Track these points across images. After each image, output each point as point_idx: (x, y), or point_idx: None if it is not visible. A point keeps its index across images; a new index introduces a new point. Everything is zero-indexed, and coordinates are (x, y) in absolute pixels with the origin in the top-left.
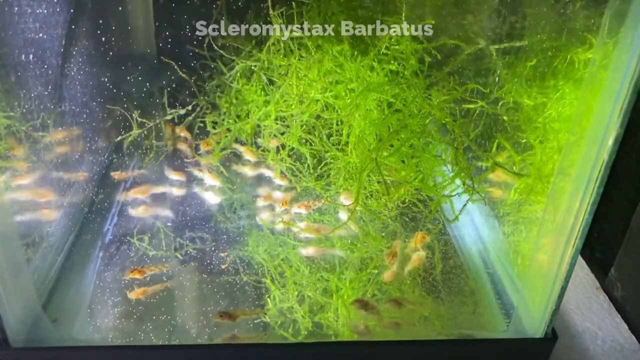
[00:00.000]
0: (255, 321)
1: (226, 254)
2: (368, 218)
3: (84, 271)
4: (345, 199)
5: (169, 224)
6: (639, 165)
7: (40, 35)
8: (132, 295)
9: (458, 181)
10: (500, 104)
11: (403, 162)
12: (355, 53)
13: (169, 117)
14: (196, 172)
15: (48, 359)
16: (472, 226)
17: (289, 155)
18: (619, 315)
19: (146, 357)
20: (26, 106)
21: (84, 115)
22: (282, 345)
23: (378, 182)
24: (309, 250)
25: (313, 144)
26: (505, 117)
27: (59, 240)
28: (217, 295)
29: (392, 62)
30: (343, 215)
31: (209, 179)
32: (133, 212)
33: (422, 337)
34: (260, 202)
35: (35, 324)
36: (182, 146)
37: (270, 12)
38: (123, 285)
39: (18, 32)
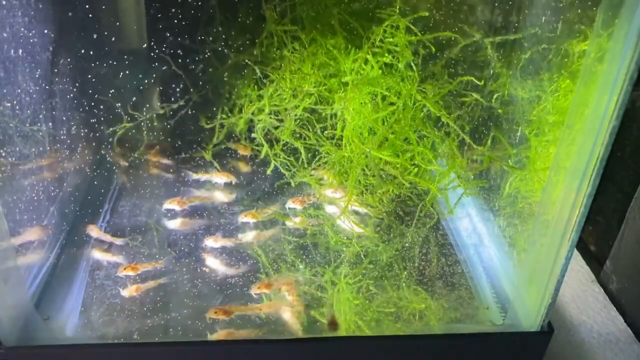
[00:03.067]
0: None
1: (219, 241)
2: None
3: (76, 268)
4: (339, 194)
5: (163, 219)
6: (634, 158)
7: (29, 30)
8: (125, 292)
9: (453, 174)
10: (495, 96)
11: (397, 155)
12: (349, 46)
13: (161, 112)
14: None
15: (40, 357)
16: (468, 219)
17: (282, 150)
18: (615, 308)
19: (140, 354)
20: (15, 101)
21: (74, 111)
22: (278, 341)
23: (372, 176)
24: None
25: (307, 138)
26: (500, 110)
27: (50, 237)
28: (212, 291)
29: (386, 54)
30: (337, 210)
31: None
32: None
33: (418, 331)
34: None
35: (27, 323)
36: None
37: (263, 5)
38: (116, 282)
39: (6, 26)
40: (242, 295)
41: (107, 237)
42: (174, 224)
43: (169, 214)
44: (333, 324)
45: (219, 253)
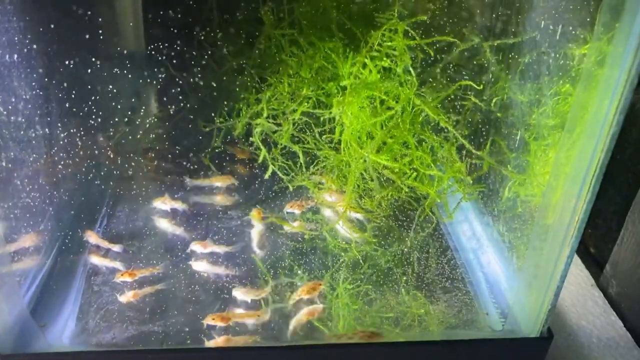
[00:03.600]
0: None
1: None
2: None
3: (73, 275)
4: (338, 198)
5: (161, 224)
6: (633, 162)
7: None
8: (122, 299)
9: (452, 179)
10: (493, 100)
11: (396, 160)
12: (348, 50)
13: (159, 115)
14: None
15: None
16: (467, 224)
17: (281, 154)
18: (614, 313)
19: None
20: (11, 106)
21: (71, 116)
22: (275, 348)
23: (371, 180)
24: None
25: (305, 142)
26: (499, 115)
27: (47, 243)
28: (210, 297)
29: (384, 58)
30: (334, 215)
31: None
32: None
33: (417, 337)
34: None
35: (23, 330)
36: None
37: (261, 8)
38: (113, 288)
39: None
40: (240, 301)
41: (105, 244)
42: (171, 230)
43: (166, 218)
44: (372, 336)
45: (217, 258)
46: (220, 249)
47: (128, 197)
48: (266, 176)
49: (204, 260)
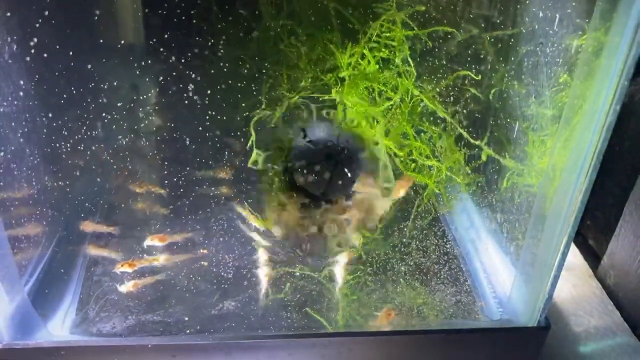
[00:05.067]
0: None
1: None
2: None
3: (73, 265)
4: None
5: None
6: (631, 153)
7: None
8: (122, 289)
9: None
10: (492, 91)
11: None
12: (346, 41)
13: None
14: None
15: (37, 354)
16: (466, 214)
17: None
18: (612, 303)
19: (137, 351)
20: (9, 98)
21: (70, 107)
22: (276, 336)
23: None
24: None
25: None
26: (497, 105)
27: (47, 233)
28: (210, 286)
29: (383, 49)
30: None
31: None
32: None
33: (415, 327)
34: None
35: (24, 319)
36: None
37: None
38: (113, 278)
39: None
40: (239, 290)
41: (102, 228)
42: (171, 222)
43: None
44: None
45: (216, 249)
46: (180, 238)
47: (127, 190)
48: (249, 164)
49: (211, 250)
